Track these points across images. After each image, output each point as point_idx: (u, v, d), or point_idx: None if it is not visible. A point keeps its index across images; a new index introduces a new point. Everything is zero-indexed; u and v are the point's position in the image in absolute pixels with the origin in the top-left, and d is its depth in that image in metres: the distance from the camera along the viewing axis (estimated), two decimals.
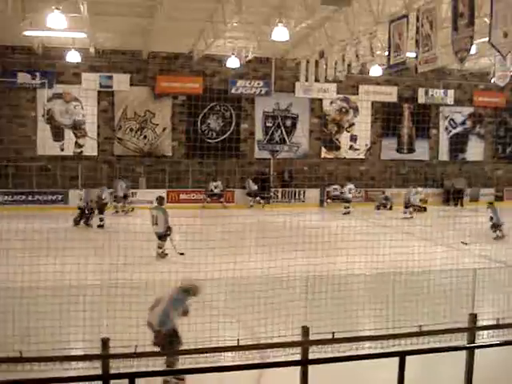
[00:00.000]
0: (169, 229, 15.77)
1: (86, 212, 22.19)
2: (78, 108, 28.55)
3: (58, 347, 6.94)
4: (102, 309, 8.47)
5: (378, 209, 28.98)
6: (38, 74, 27.53)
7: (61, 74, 28.10)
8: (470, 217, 17.02)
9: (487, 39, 13.01)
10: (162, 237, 15.87)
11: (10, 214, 22.82)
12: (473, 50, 14.98)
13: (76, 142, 28.69)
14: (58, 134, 28.42)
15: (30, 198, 26.51)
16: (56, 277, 9.36)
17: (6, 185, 26.34)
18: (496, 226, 20.82)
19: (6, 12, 18.82)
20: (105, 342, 6.24)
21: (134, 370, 5.92)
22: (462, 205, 31.09)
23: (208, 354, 6.45)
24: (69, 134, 28.58)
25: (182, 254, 14.86)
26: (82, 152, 28.73)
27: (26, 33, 22.62)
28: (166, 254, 15.76)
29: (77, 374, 6.00)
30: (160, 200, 17.30)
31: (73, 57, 26.22)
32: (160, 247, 15.92)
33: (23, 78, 27.34)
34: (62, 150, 28.48)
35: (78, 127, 28.64)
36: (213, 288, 9.44)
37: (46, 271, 9.07)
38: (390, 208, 29.10)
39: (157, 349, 7.23)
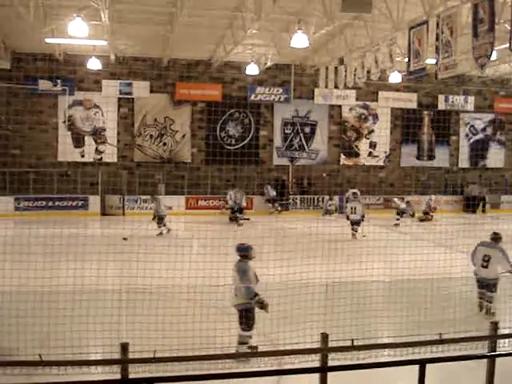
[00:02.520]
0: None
1: (236, 210, 25.85)
2: (98, 115, 28.80)
3: (77, 351, 6.97)
4: (121, 314, 8.50)
5: (401, 216, 28.71)
6: (59, 80, 27.79)
7: (81, 81, 28.38)
8: (489, 224, 16.85)
9: (508, 45, 12.92)
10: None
11: (30, 219, 23.04)
12: (493, 56, 14.85)
13: (96, 149, 28.93)
14: (78, 141, 28.69)
15: (50, 203, 26.71)
16: (76, 282, 9.42)
17: (27, 191, 26.59)
18: None
19: (28, 19, 19.07)
20: (124, 347, 6.24)
21: (153, 374, 5.93)
22: (483, 211, 30.79)
23: (226, 360, 6.44)
24: (89, 141, 28.85)
25: None
26: (102, 158, 28.97)
27: (48, 40, 22.88)
28: None
29: (96, 379, 6.04)
30: None
31: (93, 64, 26.46)
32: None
33: (45, 84, 27.63)
34: (83, 156, 28.74)
35: (98, 134, 28.88)
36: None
37: (67, 276, 9.13)
38: (412, 215, 28.88)
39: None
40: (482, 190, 31.37)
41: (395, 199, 25.94)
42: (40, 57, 27.25)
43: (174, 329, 7.91)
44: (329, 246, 10.76)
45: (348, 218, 22.22)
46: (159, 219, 21.52)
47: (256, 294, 8.73)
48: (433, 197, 29.02)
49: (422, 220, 27.73)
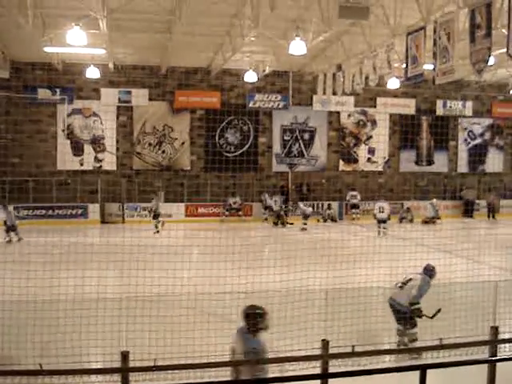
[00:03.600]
0: None
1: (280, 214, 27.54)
2: (97, 123, 28.86)
3: (77, 360, 6.97)
4: (121, 322, 8.49)
5: (401, 222, 28.79)
6: (57, 89, 27.87)
7: (80, 90, 28.44)
8: (484, 229, 16.85)
9: (505, 50, 12.96)
10: None
11: (30, 228, 23.05)
12: (491, 62, 14.89)
13: (95, 157, 28.96)
14: (77, 149, 28.73)
15: (50, 212, 26.73)
16: (76, 290, 9.41)
17: (27, 199, 26.61)
18: None
19: (26, 29, 19.12)
20: (125, 356, 6.24)
21: (153, 383, 5.92)
22: (493, 216, 30.57)
23: (227, 368, 6.44)
24: (88, 149, 28.89)
25: None
26: (101, 166, 29.00)
27: (46, 49, 22.93)
28: None
29: None
30: None
31: (92, 73, 26.50)
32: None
33: (43, 93, 27.68)
34: (82, 164, 28.76)
35: (97, 142, 28.91)
36: (232, 301, 9.42)
37: (67, 285, 9.13)
38: (411, 221, 29.00)
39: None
40: (491, 196, 31.07)
41: (374, 211, 25.50)
42: (39, 66, 27.30)
43: (175, 337, 7.91)
44: (329, 252, 10.79)
45: (375, 216, 24.53)
46: (156, 216, 23.71)
47: None
48: (434, 201, 29.13)
49: (425, 222, 27.83)
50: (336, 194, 30.08)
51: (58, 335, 8.28)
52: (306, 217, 26.61)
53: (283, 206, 29.01)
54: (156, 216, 24.16)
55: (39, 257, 9.91)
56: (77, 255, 10.81)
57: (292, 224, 27.37)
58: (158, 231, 23.35)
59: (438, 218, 28.54)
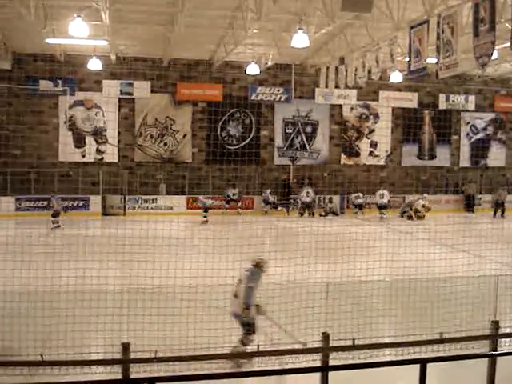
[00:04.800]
0: None
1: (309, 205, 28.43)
2: (99, 115, 28.80)
3: (78, 351, 6.98)
4: (122, 314, 8.51)
5: (403, 216, 28.71)
6: (59, 81, 27.80)
7: (82, 82, 28.38)
8: (486, 223, 16.84)
9: (509, 44, 12.92)
10: None
11: (31, 219, 23.10)
12: (494, 56, 14.85)
13: (97, 149, 28.93)
14: (79, 141, 28.70)
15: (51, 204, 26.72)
16: (77, 281, 9.43)
17: (28, 191, 26.62)
18: None
19: (28, 20, 19.08)
20: (125, 347, 6.25)
21: (154, 374, 5.93)
22: (502, 215, 29.01)
23: (228, 360, 6.45)
24: (90, 141, 28.85)
25: None
26: (102, 158, 28.97)
27: (49, 40, 22.90)
28: None
29: (97, 379, 6.04)
30: None
31: (94, 64, 26.46)
32: None
33: (45, 85, 27.64)
34: (84, 156, 28.74)
35: (99, 134, 28.89)
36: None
37: (68, 276, 9.14)
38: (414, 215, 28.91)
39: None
40: (502, 193, 29.91)
41: (376, 198, 27.35)
42: (41, 57, 27.29)
43: (175, 329, 7.92)
44: (329, 245, 10.79)
45: (377, 204, 27.36)
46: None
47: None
48: (425, 195, 29.08)
49: (409, 217, 27.83)
50: (338, 188, 30.04)
51: (59, 326, 8.30)
52: (306, 206, 28.40)
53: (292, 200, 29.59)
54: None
55: (40, 248, 9.92)
56: (78, 247, 10.82)
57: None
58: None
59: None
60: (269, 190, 29.05)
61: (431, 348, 6.86)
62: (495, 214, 29.07)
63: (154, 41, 25.26)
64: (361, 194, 29.16)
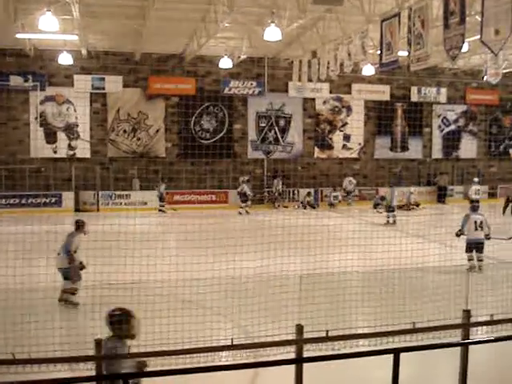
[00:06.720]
0: None
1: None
2: (70, 110, 28.51)
3: (51, 349, 6.91)
4: (95, 310, 8.43)
5: (375, 208, 28.90)
6: (30, 76, 27.47)
7: (53, 77, 28.05)
8: (457, 214, 17.03)
9: (479, 37, 13.05)
10: None
11: (3, 217, 22.79)
12: (464, 48, 15.02)
13: (69, 145, 28.63)
14: (50, 137, 28.36)
15: (23, 201, 26.43)
16: (49, 279, 9.33)
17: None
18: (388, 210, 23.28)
19: None
20: (98, 343, 6.20)
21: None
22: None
23: (202, 354, 6.43)
24: (62, 136, 28.54)
25: None
26: (74, 154, 28.68)
27: (18, 35, 22.59)
28: None
29: (71, 375, 5.98)
30: None
31: (65, 59, 26.13)
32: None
33: (16, 80, 27.27)
34: (55, 152, 28.42)
35: (70, 129, 28.57)
36: (206, 288, 9.42)
37: (38, 273, 9.04)
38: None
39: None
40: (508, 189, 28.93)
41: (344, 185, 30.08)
42: (10, 52, 26.91)
43: (148, 324, 7.88)
44: (302, 237, 10.81)
45: (345, 189, 30.42)
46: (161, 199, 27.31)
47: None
48: (411, 189, 29.42)
49: (399, 207, 28.13)
50: (311, 181, 30.18)
51: (31, 324, 8.21)
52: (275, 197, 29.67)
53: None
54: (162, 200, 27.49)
55: (11, 246, 9.80)
56: (50, 243, 10.69)
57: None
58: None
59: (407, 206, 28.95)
60: (245, 178, 28.94)
61: (404, 338, 6.92)
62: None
63: (126, 35, 25.01)
64: (353, 180, 30.77)
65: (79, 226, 12.08)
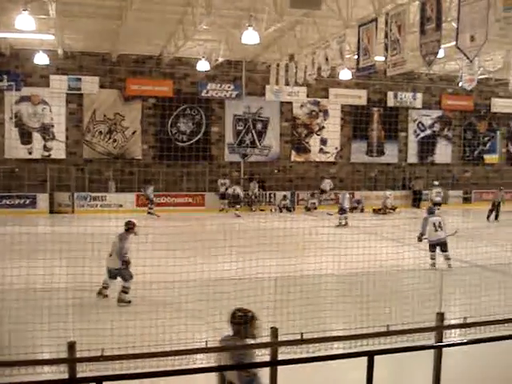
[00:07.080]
0: None
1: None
2: (46, 111, 28.22)
3: (23, 352, 6.82)
4: (68, 312, 8.36)
5: (352, 211, 29.06)
6: (5, 76, 27.16)
7: (29, 76, 27.75)
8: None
9: (455, 43, 13.20)
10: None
11: None
12: (440, 54, 15.21)
13: (44, 145, 28.33)
14: (25, 137, 28.04)
15: None
16: (22, 280, 9.21)
17: None
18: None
19: None
20: (71, 346, 6.14)
21: (101, 373, 5.84)
22: (496, 217, 26.47)
23: (176, 357, 6.40)
24: (37, 137, 28.24)
25: None
26: (50, 155, 28.39)
27: None
28: None
29: (44, 379, 5.91)
30: None
31: (41, 59, 25.83)
32: None
33: None
34: (30, 153, 28.11)
35: (46, 130, 28.29)
36: (181, 290, 9.38)
37: (11, 275, 8.93)
38: (362, 210, 29.44)
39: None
40: (500, 192, 27.60)
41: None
42: None
43: (123, 326, 7.82)
44: (277, 240, 10.83)
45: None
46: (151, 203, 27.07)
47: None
48: (387, 193, 29.69)
49: (376, 211, 28.44)
50: (287, 184, 30.31)
51: (3, 326, 8.10)
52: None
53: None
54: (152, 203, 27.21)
55: None
56: (24, 245, 10.57)
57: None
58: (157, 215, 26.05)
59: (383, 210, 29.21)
60: (226, 181, 29.17)
61: (378, 340, 6.95)
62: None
63: (103, 35, 24.84)
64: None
65: (130, 227, 12.04)
